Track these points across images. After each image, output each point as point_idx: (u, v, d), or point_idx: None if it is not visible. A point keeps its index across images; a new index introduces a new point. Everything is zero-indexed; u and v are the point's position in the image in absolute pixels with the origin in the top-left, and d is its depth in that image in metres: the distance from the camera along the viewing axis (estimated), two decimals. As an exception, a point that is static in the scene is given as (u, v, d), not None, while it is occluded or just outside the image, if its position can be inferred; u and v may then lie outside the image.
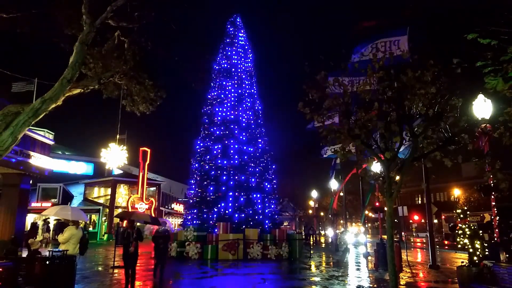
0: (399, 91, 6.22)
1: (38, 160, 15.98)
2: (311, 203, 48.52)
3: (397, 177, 6.95)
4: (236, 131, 22.61)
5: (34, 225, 25.57)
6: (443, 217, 43.13)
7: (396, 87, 6.22)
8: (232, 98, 23.55)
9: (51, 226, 29.84)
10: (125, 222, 11.06)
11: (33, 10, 10.95)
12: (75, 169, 48.30)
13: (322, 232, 54.92)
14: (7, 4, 10.52)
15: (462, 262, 10.80)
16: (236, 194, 21.15)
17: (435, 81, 6.13)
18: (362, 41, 15.58)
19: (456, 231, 10.53)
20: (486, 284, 9.04)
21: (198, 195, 21.96)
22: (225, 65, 24.47)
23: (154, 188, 44.85)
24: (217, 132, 22.73)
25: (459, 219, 10.66)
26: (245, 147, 22.43)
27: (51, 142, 17.68)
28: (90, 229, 34.95)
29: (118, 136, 17.08)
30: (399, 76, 6.22)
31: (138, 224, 12.04)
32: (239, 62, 24.79)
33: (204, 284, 11.78)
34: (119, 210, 40.15)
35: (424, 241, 39.15)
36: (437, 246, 22.48)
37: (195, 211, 21.71)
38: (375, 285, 11.60)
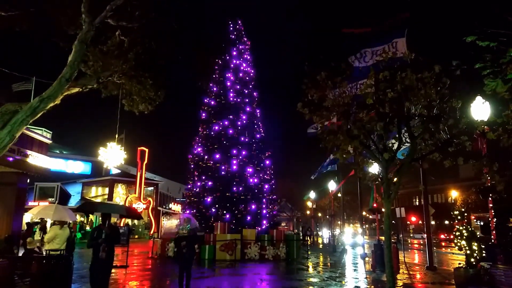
0: (401, 92, 6.24)
1: (35, 159, 15.92)
2: (309, 204, 48.56)
3: (395, 179, 6.95)
4: (234, 132, 22.61)
5: (30, 225, 25.40)
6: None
7: (398, 88, 6.24)
8: (231, 99, 23.56)
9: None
10: (122, 220, 10.69)
11: (31, 8, 10.91)
12: (72, 168, 48.20)
13: (320, 233, 54.98)
14: (5, 2, 10.48)
15: (459, 263, 10.81)
16: (234, 194, 21.15)
17: (437, 82, 6.15)
18: (361, 47, 15.56)
19: (454, 233, 10.55)
20: (483, 285, 9.06)
21: (196, 195, 21.95)
22: (224, 65, 24.48)
23: (152, 187, 44.80)
24: (215, 133, 22.73)
25: (456, 221, 10.69)
26: (243, 147, 22.43)
27: (49, 141, 17.61)
28: (88, 228, 34.82)
29: (117, 136, 17.01)
30: (401, 77, 6.23)
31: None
32: (238, 62, 24.82)
33: (201, 284, 11.75)
34: (117, 210, 40.13)
35: (421, 242, 39.21)
36: (434, 248, 22.51)
37: (193, 211, 21.71)
38: (372, 286, 11.61)
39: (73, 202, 38.52)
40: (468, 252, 10.07)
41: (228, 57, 24.80)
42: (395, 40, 15.09)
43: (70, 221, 14.69)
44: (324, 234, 51.42)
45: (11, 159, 14.43)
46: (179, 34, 12.51)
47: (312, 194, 40.07)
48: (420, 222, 45.48)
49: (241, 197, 21.18)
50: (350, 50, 15.23)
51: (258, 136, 23.84)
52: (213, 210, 20.91)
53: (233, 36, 25.67)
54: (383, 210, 9.01)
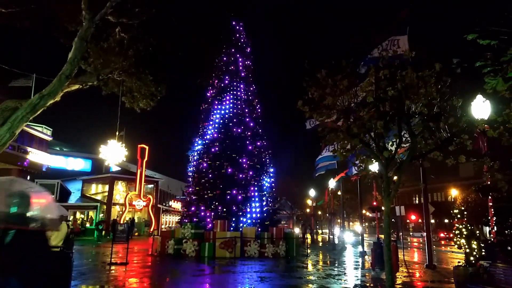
0: (401, 90, 6.23)
1: (35, 156, 15.95)
2: (309, 201, 48.63)
3: (395, 177, 6.95)
4: (234, 129, 22.60)
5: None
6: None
7: (398, 87, 6.23)
8: (231, 96, 23.54)
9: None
10: (123, 218, 10.58)
11: (32, 5, 10.88)
12: (72, 165, 48.18)
13: (319, 231, 55.06)
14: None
15: (459, 262, 10.83)
16: (234, 192, 21.15)
17: (438, 80, 6.14)
18: (369, 50, 15.60)
19: (453, 231, 10.56)
20: (482, 284, 9.06)
21: (196, 193, 21.96)
22: (225, 63, 24.44)
23: (152, 185, 44.79)
24: (216, 130, 22.73)
25: (456, 219, 10.69)
26: (243, 145, 22.41)
27: (49, 138, 17.65)
28: (88, 225, 34.83)
29: (117, 133, 17.00)
30: (402, 75, 6.22)
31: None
32: (239, 60, 24.77)
33: (201, 281, 11.78)
34: (117, 207, 40.19)
35: (421, 240, 39.25)
36: (434, 246, 22.54)
37: (193, 208, 21.72)
38: (371, 284, 11.63)
39: (73, 199, 38.55)
40: (467, 250, 10.08)
41: (228, 54, 24.73)
42: (397, 38, 15.06)
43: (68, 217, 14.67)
44: (325, 232, 51.51)
45: (11, 156, 14.44)
46: (179, 30, 12.49)
47: (312, 192, 40.11)
48: (420, 220, 45.33)
49: (241, 195, 21.18)
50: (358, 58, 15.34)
51: (258, 134, 23.82)
52: (213, 207, 20.92)
53: (235, 35, 25.58)
54: (383, 208, 9.02)
